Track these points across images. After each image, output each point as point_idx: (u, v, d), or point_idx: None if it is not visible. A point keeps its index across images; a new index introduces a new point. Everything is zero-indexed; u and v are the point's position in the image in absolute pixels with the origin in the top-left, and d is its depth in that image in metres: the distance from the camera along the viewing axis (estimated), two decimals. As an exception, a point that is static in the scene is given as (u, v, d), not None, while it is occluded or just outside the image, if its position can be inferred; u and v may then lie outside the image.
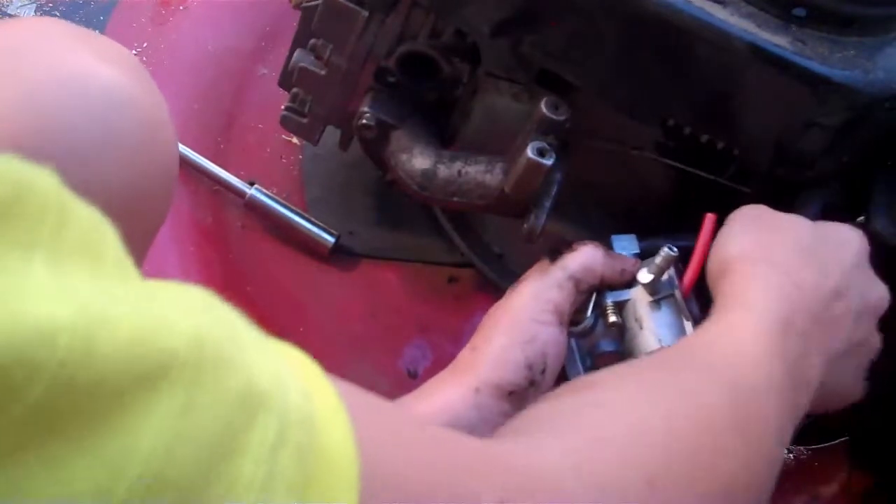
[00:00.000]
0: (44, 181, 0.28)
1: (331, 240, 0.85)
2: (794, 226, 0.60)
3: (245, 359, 0.30)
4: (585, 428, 0.46)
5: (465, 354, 0.63)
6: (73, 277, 0.27)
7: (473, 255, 0.85)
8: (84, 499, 0.26)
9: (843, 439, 0.78)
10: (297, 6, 0.78)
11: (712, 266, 0.60)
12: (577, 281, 0.63)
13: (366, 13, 0.71)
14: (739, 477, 0.48)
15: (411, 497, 0.35)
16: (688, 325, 0.62)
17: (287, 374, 0.32)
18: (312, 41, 0.75)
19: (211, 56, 0.95)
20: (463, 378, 0.61)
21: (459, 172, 0.72)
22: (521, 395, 0.61)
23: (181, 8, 0.98)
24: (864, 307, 0.60)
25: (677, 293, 0.63)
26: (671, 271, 0.63)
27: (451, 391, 0.60)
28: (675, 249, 0.62)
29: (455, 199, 0.73)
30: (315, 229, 0.85)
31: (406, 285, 0.86)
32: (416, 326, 0.84)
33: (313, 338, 0.81)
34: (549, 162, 0.66)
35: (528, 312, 0.62)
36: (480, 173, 0.71)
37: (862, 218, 0.66)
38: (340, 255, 0.86)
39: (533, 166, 0.66)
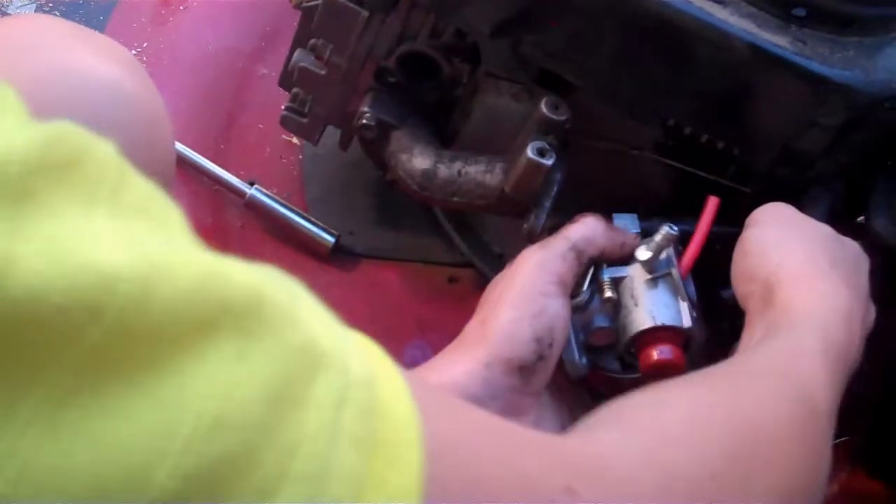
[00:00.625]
0: (103, 148, 0.28)
1: (331, 240, 0.85)
2: (823, 233, 0.60)
3: (306, 321, 0.31)
4: (651, 423, 0.46)
5: (472, 327, 0.62)
6: (134, 230, 0.28)
7: (473, 255, 0.85)
8: (146, 439, 0.26)
9: (843, 439, 0.78)
10: (297, 6, 0.78)
11: (752, 272, 0.59)
12: (579, 252, 0.63)
13: (366, 13, 0.71)
14: (797, 483, 0.48)
15: (475, 479, 0.35)
16: (683, 305, 0.62)
17: (349, 342, 0.33)
18: (312, 41, 0.75)
19: (211, 56, 0.95)
20: (472, 352, 0.60)
21: (459, 172, 0.72)
22: (530, 369, 0.60)
23: (181, 8, 0.98)
24: (869, 327, 0.60)
25: (675, 272, 0.62)
26: (670, 251, 0.63)
27: (459, 366, 0.60)
28: (676, 229, 0.62)
29: (455, 199, 0.73)
30: (315, 229, 0.85)
31: (406, 285, 0.86)
32: (416, 326, 0.84)
33: (313, 338, 0.81)
34: (549, 162, 0.66)
35: (535, 285, 0.62)
36: (480, 173, 0.71)
37: (862, 218, 0.66)
38: (340, 255, 0.86)
39: (533, 166, 0.66)
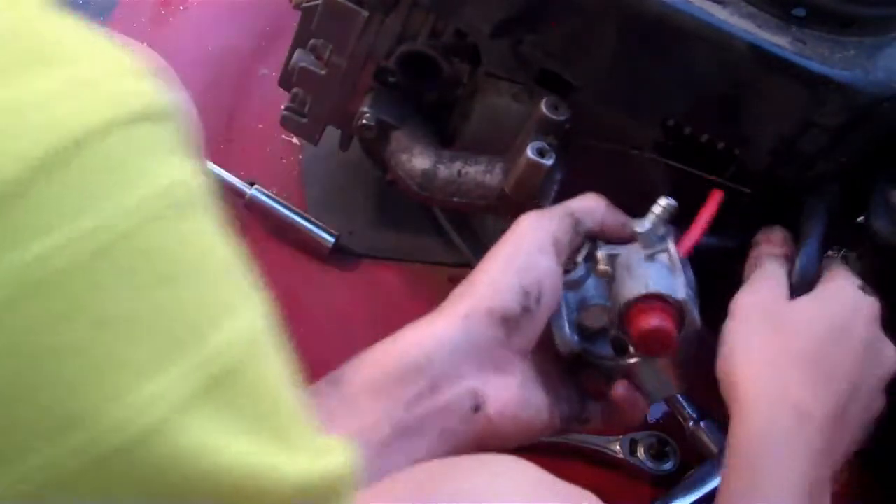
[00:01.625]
0: None
1: (331, 240, 0.85)
2: (806, 324, 0.60)
3: None
4: None
5: (459, 287, 0.60)
6: None
7: (473, 255, 0.85)
8: None
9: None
10: (297, 6, 0.78)
11: (725, 376, 0.59)
12: (576, 220, 0.62)
13: (366, 13, 0.71)
14: None
15: None
16: (678, 279, 0.60)
17: None
18: (312, 41, 0.75)
19: (211, 56, 0.95)
20: (454, 306, 0.59)
21: (459, 172, 0.72)
22: (514, 321, 0.58)
23: (181, 8, 0.98)
24: (878, 384, 0.60)
25: (671, 248, 0.61)
26: (668, 230, 0.62)
27: (439, 320, 0.58)
28: (674, 201, 0.61)
29: (455, 199, 0.73)
30: (315, 229, 0.85)
31: (406, 285, 0.86)
32: (416, 326, 0.84)
33: (313, 338, 0.81)
34: (549, 162, 0.66)
35: (526, 242, 0.60)
36: (480, 173, 0.71)
37: (862, 218, 0.66)
38: (340, 255, 0.86)
39: (533, 166, 0.66)
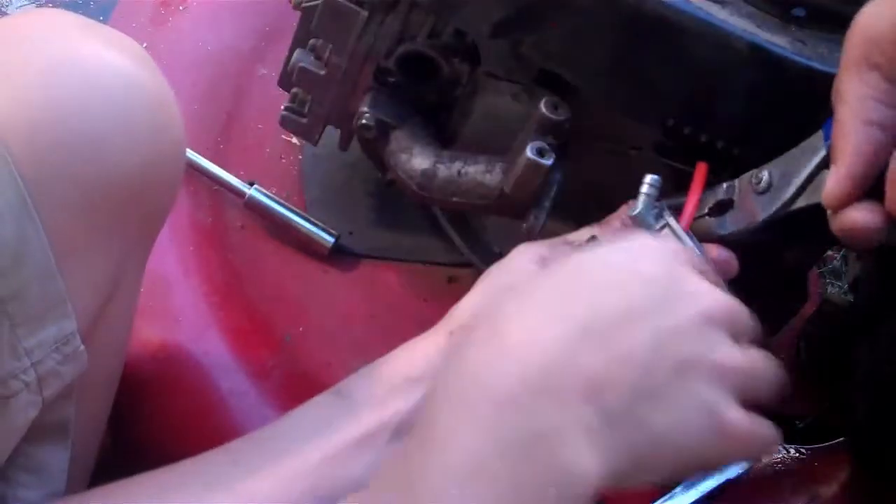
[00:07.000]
0: None
1: (330, 240, 0.85)
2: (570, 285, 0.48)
3: None
4: None
5: (452, 308, 0.62)
6: None
7: (473, 255, 0.85)
8: None
9: (843, 439, 0.78)
10: (297, 6, 0.78)
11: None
12: (569, 241, 0.63)
13: (365, 13, 0.71)
14: None
15: None
16: (688, 244, 0.59)
17: None
18: (312, 41, 0.75)
19: (211, 56, 0.95)
20: (439, 328, 0.61)
21: (459, 172, 0.72)
22: None
23: (181, 8, 0.98)
24: (674, 329, 0.46)
25: (671, 220, 0.61)
26: (664, 209, 0.62)
27: (428, 339, 0.60)
28: (658, 177, 0.61)
29: (455, 199, 0.73)
30: (315, 229, 0.85)
31: (406, 285, 0.86)
32: (416, 326, 0.84)
33: (313, 338, 0.81)
34: (548, 162, 0.66)
35: (514, 261, 0.61)
36: (480, 173, 0.71)
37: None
38: (340, 255, 0.86)
39: (532, 166, 0.66)
